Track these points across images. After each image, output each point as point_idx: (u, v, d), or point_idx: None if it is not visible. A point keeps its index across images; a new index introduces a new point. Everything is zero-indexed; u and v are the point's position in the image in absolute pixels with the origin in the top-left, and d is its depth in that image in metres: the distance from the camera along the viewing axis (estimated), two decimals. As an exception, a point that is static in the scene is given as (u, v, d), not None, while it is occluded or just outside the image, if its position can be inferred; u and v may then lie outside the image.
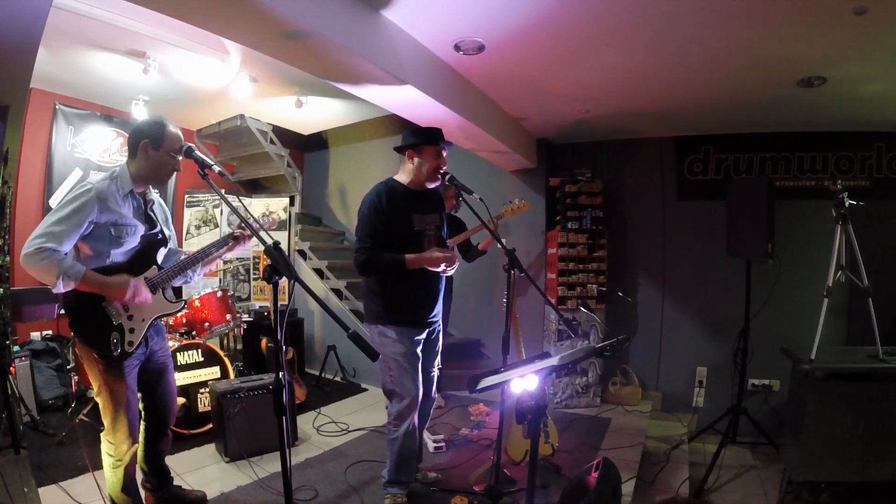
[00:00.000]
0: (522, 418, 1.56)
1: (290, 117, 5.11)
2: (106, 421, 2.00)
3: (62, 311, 3.32)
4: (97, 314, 1.91)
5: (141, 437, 2.17)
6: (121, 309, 1.96)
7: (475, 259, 3.82)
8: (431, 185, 2.45)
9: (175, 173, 2.08)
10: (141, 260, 2.03)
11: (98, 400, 2.00)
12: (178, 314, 3.42)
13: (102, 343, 1.91)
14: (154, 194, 2.19)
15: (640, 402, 4.29)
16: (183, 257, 2.20)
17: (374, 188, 2.41)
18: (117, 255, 1.96)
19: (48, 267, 1.74)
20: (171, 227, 2.26)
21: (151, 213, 2.11)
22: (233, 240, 2.17)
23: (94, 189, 1.87)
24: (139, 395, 2.11)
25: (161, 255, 2.15)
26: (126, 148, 2.08)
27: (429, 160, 2.38)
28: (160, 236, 2.12)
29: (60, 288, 1.78)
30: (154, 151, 1.97)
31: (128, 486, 2.07)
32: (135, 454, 2.10)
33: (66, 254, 1.81)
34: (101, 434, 2.04)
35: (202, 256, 2.14)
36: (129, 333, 1.97)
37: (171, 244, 2.23)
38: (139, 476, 2.23)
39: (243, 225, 2.06)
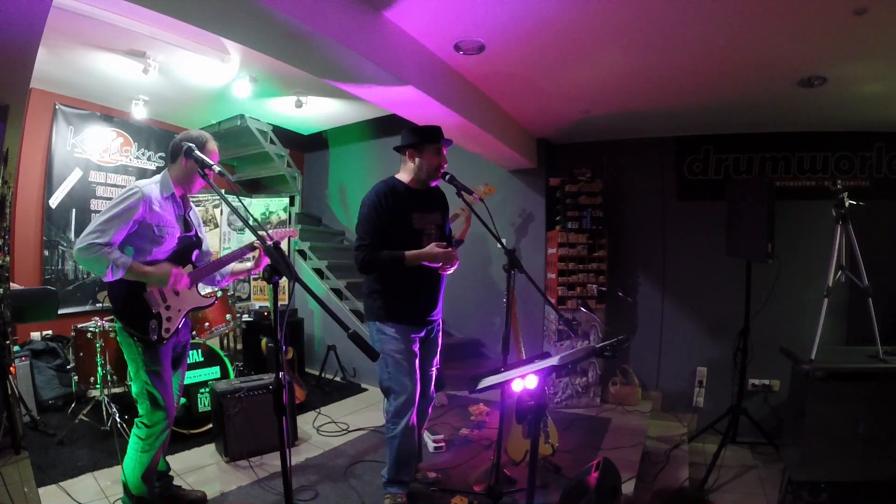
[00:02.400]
0: (522, 418, 1.56)
1: (290, 117, 5.11)
2: (143, 405, 2.15)
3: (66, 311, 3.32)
4: (139, 303, 2.12)
5: None
6: (159, 299, 2.16)
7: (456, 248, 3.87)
8: (433, 184, 2.45)
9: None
10: (178, 258, 2.22)
11: (134, 386, 2.16)
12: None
13: (142, 327, 2.11)
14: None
15: (640, 402, 4.29)
16: (211, 258, 2.41)
17: (374, 187, 2.41)
18: (158, 253, 2.15)
19: (98, 259, 1.96)
20: (203, 230, 2.44)
21: (189, 217, 2.31)
22: (250, 249, 2.34)
23: (140, 191, 2.09)
24: None
25: (195, 255, 2.35)
26: (165, 152, 2.23)
27: (429, 159, 2.38)
28: (195, 238, 2.33)
29: (110, 277, 2.01)
30: (191, 162, 2.13)
31: (147, 475, 2.19)
32: (163, 442, 2.22)
33: (114, 248, 2.00)
34: (136, 419, 2.18)
35: (230, 259, 2.35)
36: (165, 321, 2.17)
37: (204, 246, 2.44)
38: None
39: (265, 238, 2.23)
